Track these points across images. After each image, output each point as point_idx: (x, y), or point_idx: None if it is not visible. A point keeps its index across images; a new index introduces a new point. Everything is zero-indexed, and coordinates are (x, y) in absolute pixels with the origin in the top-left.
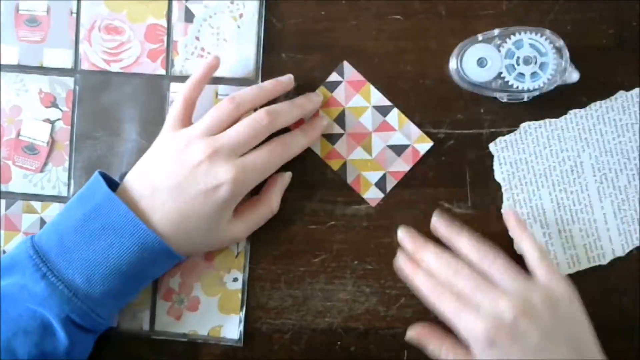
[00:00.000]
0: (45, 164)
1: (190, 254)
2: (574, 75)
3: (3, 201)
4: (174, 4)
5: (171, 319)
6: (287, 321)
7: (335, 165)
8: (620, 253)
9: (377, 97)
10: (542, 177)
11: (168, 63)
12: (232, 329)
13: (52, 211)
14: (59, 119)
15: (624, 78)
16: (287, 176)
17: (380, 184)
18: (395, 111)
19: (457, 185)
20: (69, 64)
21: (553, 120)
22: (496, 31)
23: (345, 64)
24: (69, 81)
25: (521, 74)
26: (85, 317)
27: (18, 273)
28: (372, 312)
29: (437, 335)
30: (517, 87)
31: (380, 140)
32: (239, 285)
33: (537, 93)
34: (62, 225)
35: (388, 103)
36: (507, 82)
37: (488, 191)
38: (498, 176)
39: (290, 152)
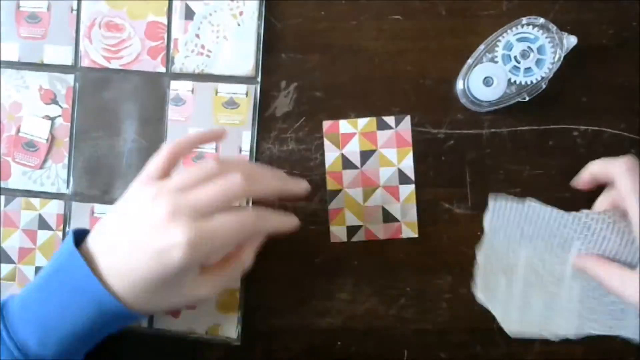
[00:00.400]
0: (45, 160)
1: (151, 312)
2: (571, 40)
3: (2, 197)
4: (174, 1)
5: (169, 317)
6: (287, 321)
7: (331, 185)
8: (571, 336)
9: (408, 164)
10: (526, 239)
11: (168, 60)
12: (230, 328)
13: (51, 208)
14: (58, 116)
15: (624, 78)
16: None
17: (351, 231)
18: (412, 187)
19: (457, 185)
20: (69, 61)
21: (560, 212)
22: (481, 47)
23: (408, 118)
24: (69, 78)
25: (528, 69)
26: None
27: None
28: (372, 312)
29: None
30: (531, 81)
31: (381, 198)
32: (237, 284)
33: (551, 74)
34: (31, 283)
35: (412, 177)
36: (520, 83)
37: (488, 191)
38: (486, 223)
39: (265, 227)
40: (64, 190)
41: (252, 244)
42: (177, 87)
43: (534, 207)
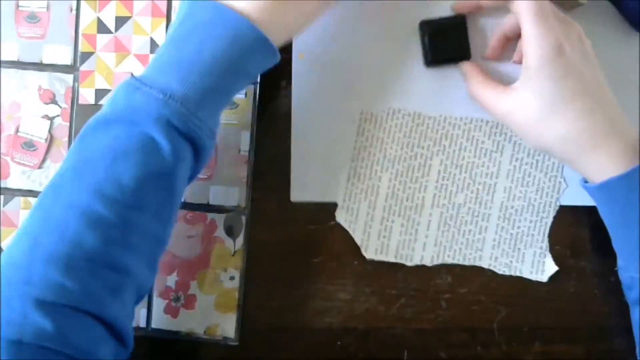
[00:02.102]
0: (44, 160)
1: (284, 31)
2: None
3: (1, 197)
4: (174, 1)
5: (168, 317)
6: (287, 321)
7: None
8: (427, 262)
9: None
10: (390, 162)
11: None
12: (228, 327)
13: None
14: (57, 116)
15: None
16: None
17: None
18: None
19: None
20: (68, 61)
21: (424, 113)
22: None
23: None
24: (68, 78)
25: None
26: (185, 121)
27: (111, 101)
28: (372, 312)
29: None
30: None
31: None
32: (235, 284)
33: None
34: (161, 46)
35: None
36: None
37: None
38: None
39: None
40: None
41: None
42: None
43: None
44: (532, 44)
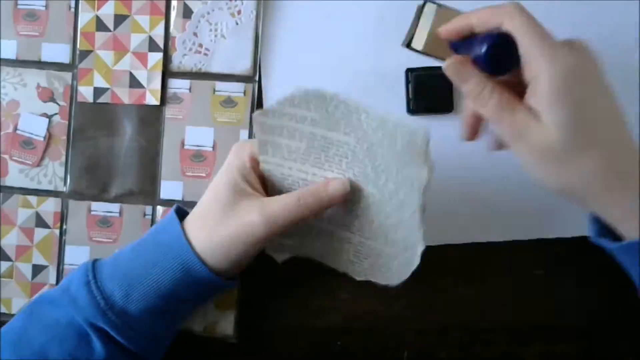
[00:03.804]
0: (42, 158)
1: (219, 258)
2: None
3: (0, 195)
4: (173, 0)
5: None
6: (287, 320)
7: None
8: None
9: None
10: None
11: (166, 59)
12: (227, 325)
13: (48, 206)
14: (56, 114)
15: None
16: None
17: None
18: None
19: None
20: (66, 59)
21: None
22: None
23: None
24: (67, 76)
25: None
26: (120, 333)
27: (69, 279)
28: (372, 312)
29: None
30: None
31: None
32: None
33: None
34: (129, 244)
35: None
36: None
37: None
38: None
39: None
40: (61, 188)
41: (320, 191)
42: (175, 86)
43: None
44: (542, 67)
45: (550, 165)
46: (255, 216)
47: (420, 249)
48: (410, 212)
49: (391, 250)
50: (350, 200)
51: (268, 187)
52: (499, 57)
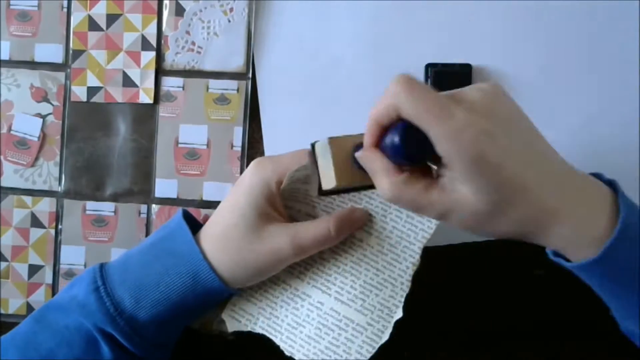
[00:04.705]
0: (37, 158)
1: (241, 278)
2: None
3: None
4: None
5: None
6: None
7: None
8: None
9: None
10: None
11: (159, 57)
12: (225, 323)
13: (43, 206)
14: (50, 114)
15: None
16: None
17: None
18: None
19: None
20: (59, 59)
21: None
22: None
23: None
24: (60, 76)
25: None
26: (128, 339)
27: (77, 284)
28: None
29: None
30: None
31: None
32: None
33: None
34: (135, 248)
35: None
36: None
37: None
38: None
39: None
40: (55, 188)
41: (344, 216)
42: (168, 84)
43: None
44: (445, 148)
45: (484, 225)
46: (285, 244)
47: (397, 316)
48: (403, 268)
49: (362, 319)
50: (350, 243)
51: (288, 205)
52: (411, 145)
